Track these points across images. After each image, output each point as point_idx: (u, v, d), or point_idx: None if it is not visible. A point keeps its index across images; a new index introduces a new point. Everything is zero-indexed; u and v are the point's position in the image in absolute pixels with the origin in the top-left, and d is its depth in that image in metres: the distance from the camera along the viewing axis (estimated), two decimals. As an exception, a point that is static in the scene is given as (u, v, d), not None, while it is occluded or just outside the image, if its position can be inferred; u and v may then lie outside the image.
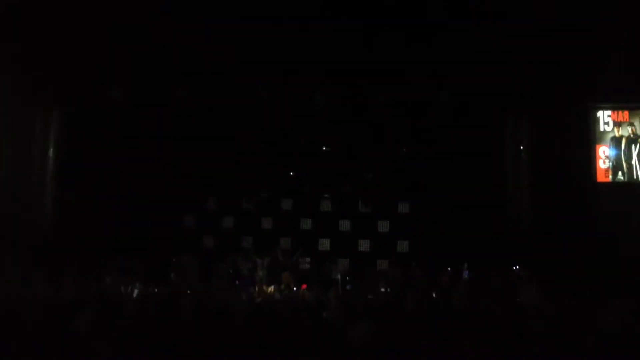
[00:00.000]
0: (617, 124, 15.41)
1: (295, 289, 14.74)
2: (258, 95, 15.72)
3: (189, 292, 12.91)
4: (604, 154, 15.36)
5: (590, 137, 15.40)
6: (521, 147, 15.52)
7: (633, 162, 15.23)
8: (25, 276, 13.15)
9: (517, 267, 14.50)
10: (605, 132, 15.43)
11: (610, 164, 15.30)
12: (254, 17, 14.22)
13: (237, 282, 15.24)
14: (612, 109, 15.46)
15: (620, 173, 15.28)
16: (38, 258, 14.41)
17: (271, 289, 14.53)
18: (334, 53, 14.36)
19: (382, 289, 15.22)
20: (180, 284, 14.31)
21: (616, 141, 15.38)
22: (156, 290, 13.70)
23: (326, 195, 17.60)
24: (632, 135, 15.35)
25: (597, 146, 15.39)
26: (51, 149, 15.33)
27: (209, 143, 16.38)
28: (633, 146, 15.29)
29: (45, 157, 15.29)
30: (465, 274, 14.91)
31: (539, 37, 14.09)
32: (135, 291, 13.58)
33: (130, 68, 14.81)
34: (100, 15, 14.03)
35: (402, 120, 15.87)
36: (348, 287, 15.55)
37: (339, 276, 15.70)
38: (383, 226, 17.24)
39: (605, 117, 15.45)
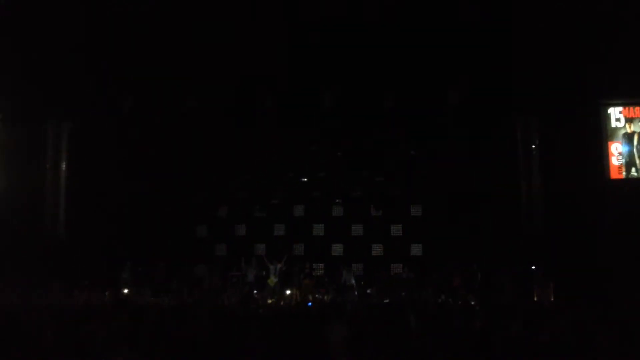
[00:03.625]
0: (629, 120, 15.28)
1: (316, 295, 14.77)
2: (266, 103, 15.71)
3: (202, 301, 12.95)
4: (617, 151, 15.25)
5: (602, 134, 15.30)
6: (533, 147, 15.41)
7: (646, 157, 15.12)
8: (40, 286, 13.27)
9: (534, 267, 14.40)
10: (617, 128, 15.31)
11: (623, 160, 15.18)
12: (258, 23, 14.26)
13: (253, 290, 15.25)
14: (623, 105, 15.34)
15: (633, 169, 15.16)
16: (53, 269, 14.49)
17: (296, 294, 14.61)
18: (343, 56, 14.34)
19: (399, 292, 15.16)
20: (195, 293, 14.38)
21: (628, 137, 15.24)
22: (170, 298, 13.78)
23: (338, 200, 17.57)
24: (644, 131, 15.26)
25: (610, 143, 15.28)
26: (63, 162, 15.39)
27: (220, 152, 16.39)
28: (645, 141, 15.19)
29: (57, 170, 15.34)
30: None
31: (548, 35, 14.04)
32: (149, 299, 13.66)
33: (140, 79, 14.87)
34: (110, 29, 14.17)
35: (412, 122, 15.78)
36: (369, 291, 15.51)
37: (353, 281, 15.64)
38: (396, 230, 17.20)
39: (616, 114, 15.35)
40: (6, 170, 15.56)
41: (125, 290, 14.41)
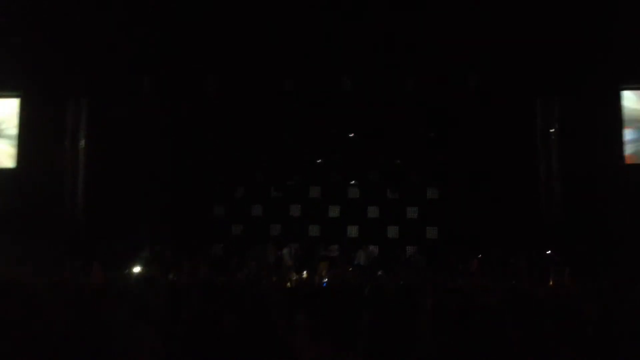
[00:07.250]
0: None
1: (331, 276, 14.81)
2: (284, 84, 15.71)
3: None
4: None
5: (621, 118, 15.17)
6: (551, 130, 15.31)
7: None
8: (57, 266, 13.38)
9: (550, 251, 14.36)
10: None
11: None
12: (276, 7, 14.25)
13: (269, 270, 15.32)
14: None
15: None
16: (70, 249, 14.63)
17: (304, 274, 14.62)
18: (360, 39, 14.29)
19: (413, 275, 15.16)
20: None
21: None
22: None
23: (354, 182, 17.57)
24: (663, 116, 15.09)
25: (627, 128, 15.17)
26: (82, 140, 15.47)
27: (237, 132, 16.43)
28: (664, 127, 15.04)
29: (76, 148, 15.44)
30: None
31: (567, 18, 13.89)
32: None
33: (159, 58, 14.92)
34: (130, 5, 14.20)
35: (430, 104, 15.70)
36: (380, 273, 15.54)
37: (369, 262, 15.67)
38: (412, 212, 17.18)
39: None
40: (24, 148, 15.71)
41: (140, 269, 14.52)
